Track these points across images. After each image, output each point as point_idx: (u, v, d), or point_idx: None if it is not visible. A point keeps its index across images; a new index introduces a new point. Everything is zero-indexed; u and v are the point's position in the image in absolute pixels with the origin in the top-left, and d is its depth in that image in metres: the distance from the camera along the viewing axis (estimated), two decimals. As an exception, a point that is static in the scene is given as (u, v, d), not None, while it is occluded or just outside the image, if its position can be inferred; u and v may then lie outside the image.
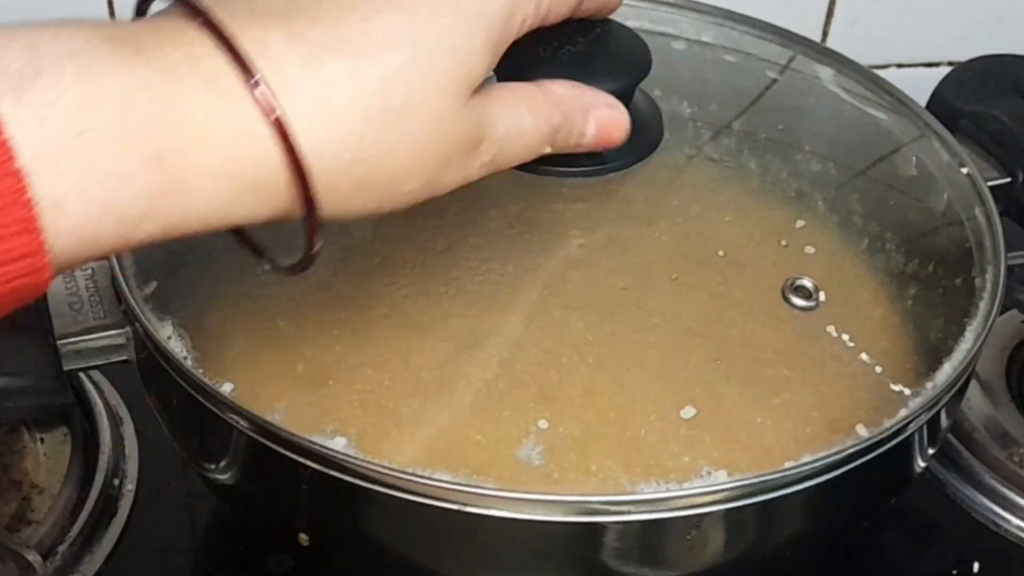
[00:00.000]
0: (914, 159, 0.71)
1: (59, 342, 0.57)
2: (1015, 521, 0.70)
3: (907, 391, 0.67)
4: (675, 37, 0.82)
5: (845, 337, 0.70)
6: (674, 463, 0.61)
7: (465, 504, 0.49)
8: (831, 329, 0.70)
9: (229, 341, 0.67)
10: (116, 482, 0.69)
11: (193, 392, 0.54)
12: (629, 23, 0.60)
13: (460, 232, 0.76)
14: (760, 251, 0.74)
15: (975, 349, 0.58)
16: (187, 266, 0.70)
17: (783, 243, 0.76)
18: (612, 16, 0.59)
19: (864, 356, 0.69)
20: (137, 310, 0.58)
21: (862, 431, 0.63)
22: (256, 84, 0.40)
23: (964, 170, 0.68)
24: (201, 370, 0.65)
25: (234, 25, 0.41)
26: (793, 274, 0.75)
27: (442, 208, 0.76)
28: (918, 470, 0.59)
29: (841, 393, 0.66)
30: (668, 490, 0.57)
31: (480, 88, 0.47)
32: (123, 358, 0.59)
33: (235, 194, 0.42)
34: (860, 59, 0.95)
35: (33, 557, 0.63)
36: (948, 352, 0.65)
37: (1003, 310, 0.79)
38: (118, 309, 0.58)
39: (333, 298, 0.70)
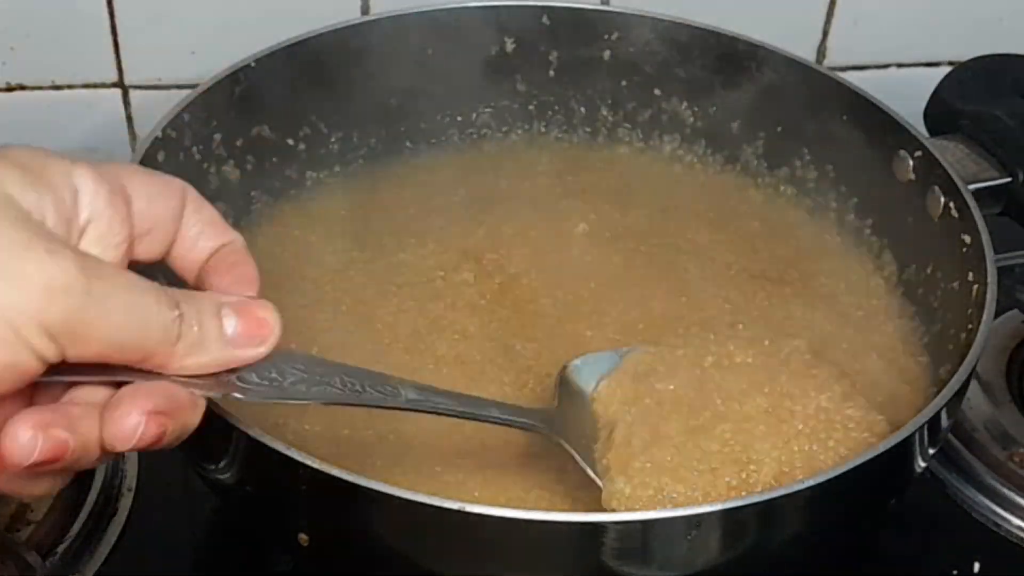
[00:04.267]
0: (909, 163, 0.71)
1: (59, 342, 0.57)
2: (1015, 521, 0.70)
3: (907, 391, 0.67)
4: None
5: (844, 339, 0.70)
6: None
7: (465, 504, 0.49)
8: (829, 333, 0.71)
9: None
10: (116, 482, 0.69)
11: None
12: None
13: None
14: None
15: (975, 350, 0.58)
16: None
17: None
18: None
19: (863, 358, 0.69)
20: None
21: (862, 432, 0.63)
22: None
23: (953, 173, 0.68)
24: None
25: None
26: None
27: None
28: (918, 470, 0.59)
29: (840, 396, 0.66)
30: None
31: None
32: (123, 358, 0.59)
33: None
34: (860, 59, 0.95)
35: (33, 557, 0.63)
36: (948, 353, 0.65)
37: (1003, 310, 0.79)
38: (118, 309, 0.58)
39: (337, 304, 0.70)
